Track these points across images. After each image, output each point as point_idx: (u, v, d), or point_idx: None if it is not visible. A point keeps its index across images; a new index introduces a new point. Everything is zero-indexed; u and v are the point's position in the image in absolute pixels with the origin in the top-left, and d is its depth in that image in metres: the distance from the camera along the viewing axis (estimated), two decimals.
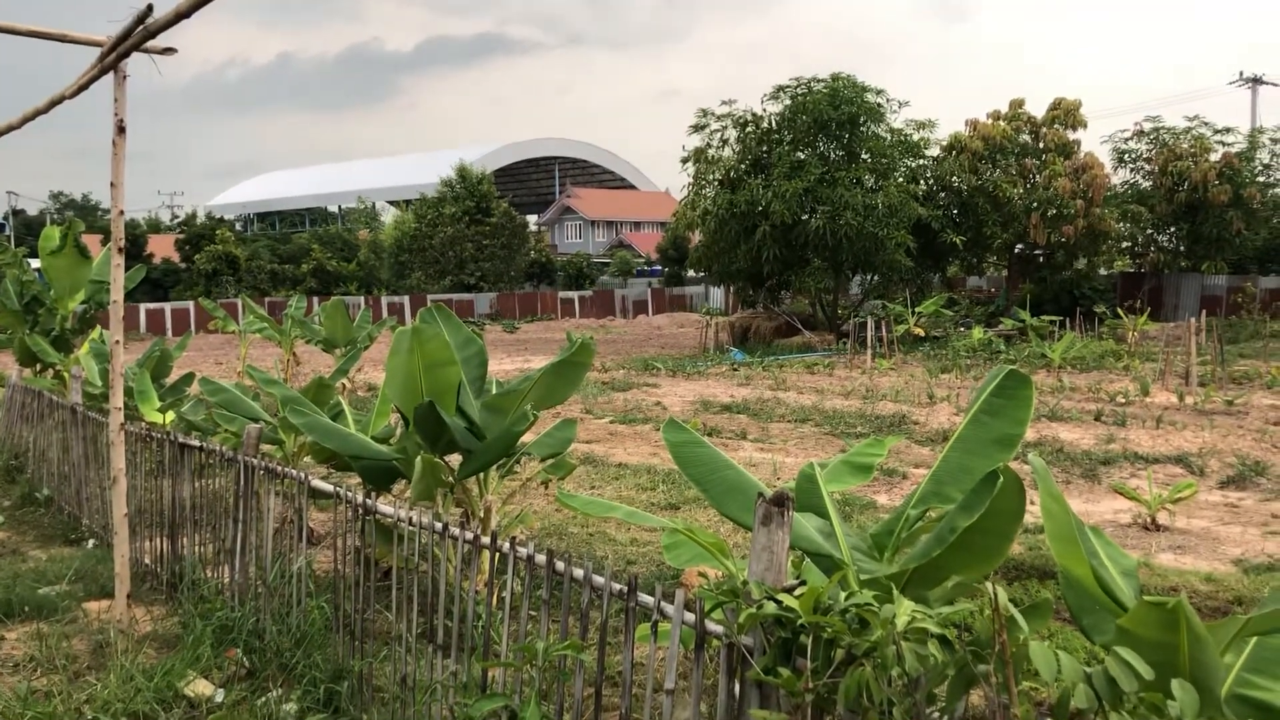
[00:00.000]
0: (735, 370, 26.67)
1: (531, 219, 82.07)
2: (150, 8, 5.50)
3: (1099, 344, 28.03)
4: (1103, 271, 43.08)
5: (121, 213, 6.70)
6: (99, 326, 16.74)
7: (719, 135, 35.18)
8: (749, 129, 34.78)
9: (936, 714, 2.78)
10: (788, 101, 34.24)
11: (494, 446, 6.89)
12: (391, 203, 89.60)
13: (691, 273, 59.21)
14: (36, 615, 7.01)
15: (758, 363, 28.64)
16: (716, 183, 34.87)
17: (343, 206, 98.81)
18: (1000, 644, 2.50)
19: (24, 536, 9.70)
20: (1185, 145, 39.55)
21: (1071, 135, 38.18)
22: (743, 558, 5.51)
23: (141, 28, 5.76)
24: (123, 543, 6.86)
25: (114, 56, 6.25)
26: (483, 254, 60.53)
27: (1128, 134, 41.65)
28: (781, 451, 14.13)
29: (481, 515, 7.24)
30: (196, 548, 7.28)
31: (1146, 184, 40.84)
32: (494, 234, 60.95)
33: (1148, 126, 41.08)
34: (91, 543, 9.15)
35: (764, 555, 3.26)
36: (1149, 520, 9.71)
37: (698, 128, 35.24)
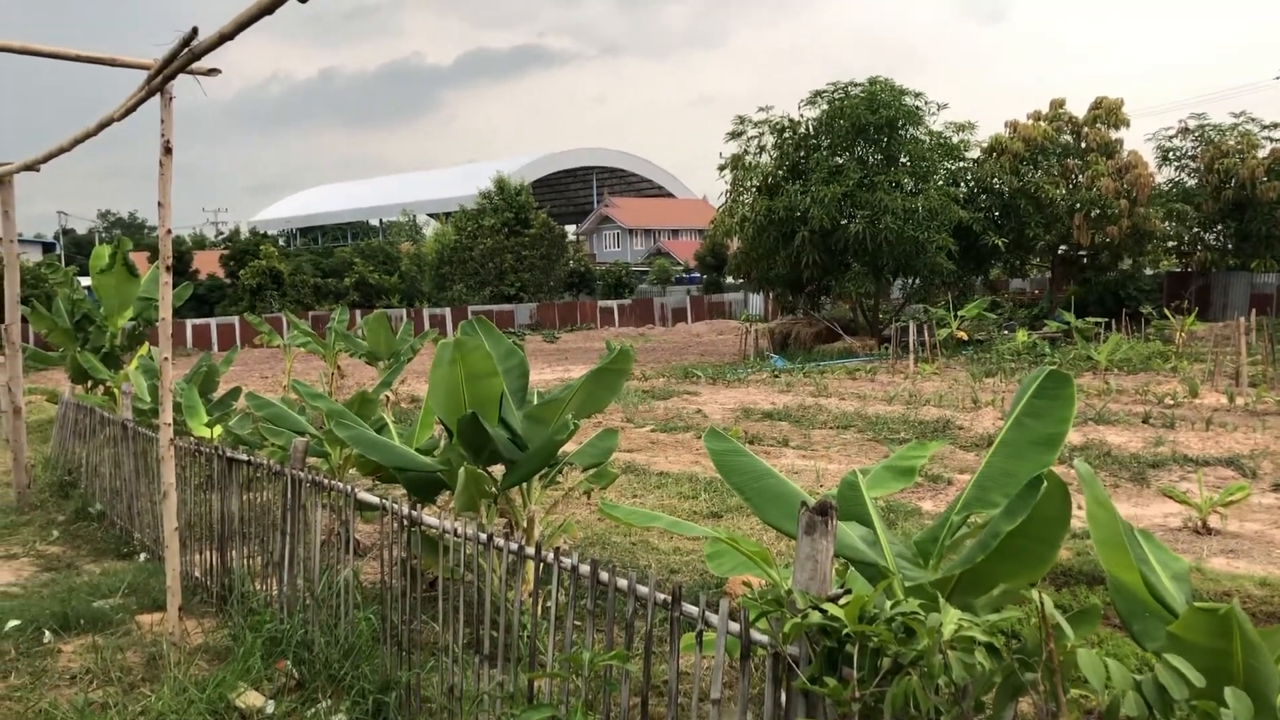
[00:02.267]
0: (776, 377, 26.58)
1: (570, 229, 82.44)
2: (195, 30, 5.61)
3: (1146, 345, 27.61)
4: (1148, 272, 42.50)
5: (169, 231, 6.82)
6: (147, 343, 17.04)
7: (756, 142, 35.15)
8: (786, 135, 34.69)
9: None
10: (825, 106, 34.12)
11: (536, 456, 6.93)
12: (432, 215, 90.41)
13: (730, 279, 59.11)
14: (92, 628, 7.15)
15: (798, 369, 28.52)
16: (754, 189, 34.80)
17: (384, 220, 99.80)
18: (1048, 652, 2.49)
19: (78, 551, 9.88)
20: (1232, 141, 38.91)
21: (1114, 134, 37.75)
22: (786, 566, 5.50)
23: (187, 50, 5.87)
24: (174, 556, 6.97)
25: (160, 79, 6.37)
26: (522, 265, 60.85)
27: (1172, 132, 41.09)
28: (824, 459, 14.06)
29: (525, 525, 7.28)
30: (245, 560, 7.38)
31: (1192, 182, 40.22)
32: (533, 244, 61.27)
33: (1192, 124, 40.50)
34: (143, 556, 9.30)
35: (808, 564, 3.26)
36: (1200, 524, 9.56)
37: (735, 134, 35.22)
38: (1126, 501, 10.88)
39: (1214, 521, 9.63)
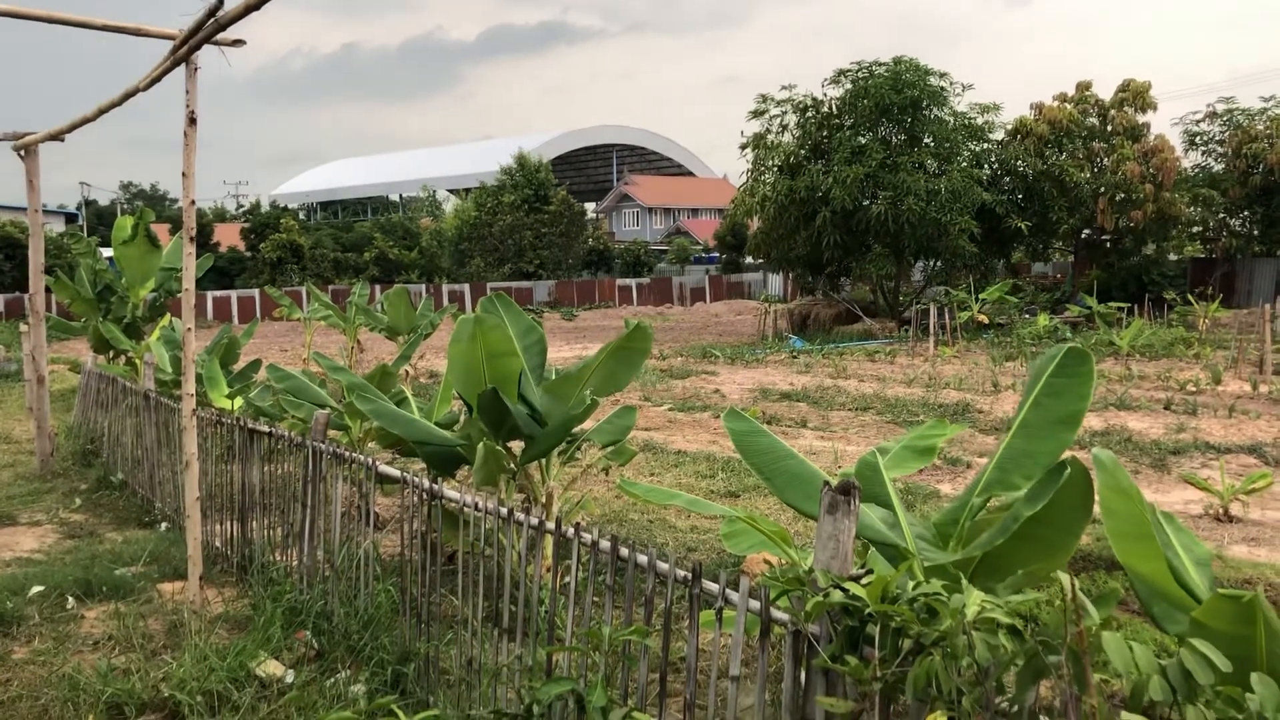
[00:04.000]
0: (794, 358, 26.52)
1: (589, 206, 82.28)
2: (221, 1, 5.60)
3: (1168, 331, 27.41)
4: (1172, 257, 42.09)
5: (193, 203, 6.84)
6: (169, 314, 17.14)
7: (779, 121, 34.93)
8: (809, 114, 34.46)
9: (1005, 704, 2.76)
10: (849, 86, 33.87)
11: (555, 431, 6.94)
12: (452, 191, 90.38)
13: (750, 259, 58.95)
14: (114, 595, 7.22)
15: (817, 350, 28.44)
16: (776, 168, 34.61)
17: (404, 195, 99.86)
18: (1076, 634, 2.47)
19: (100, 519, 9.97)
20: (1260, 126, 38.40)
21: (1140, 118, 37.32)
22: (803, 547, 5.50)
23: (213, 20, 5.87)
24: (195, 526, 7.03)
25: (186, 49, 6.38)
26: (541, 242, 60.84)
27: (1199, 116, 40.58)
28: (842, 440, 14.04)
29: (544, 501, 7.31)
30: (265, 531, 7.44)
31: (1219, 167, 39.76)
32: (552, 222, 61.22)
33: (1220, 108, 39.97)
34: (164, 525, 9.38)
35: (830, 544, 3.25)
36: (1221, 511, 9.50)
37: (757, 113, 35.00)
38: (1147, 488, 10.82)
39: (1236, 509, 9.57)
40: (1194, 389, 18.02)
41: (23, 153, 11.61)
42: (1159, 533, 3.66)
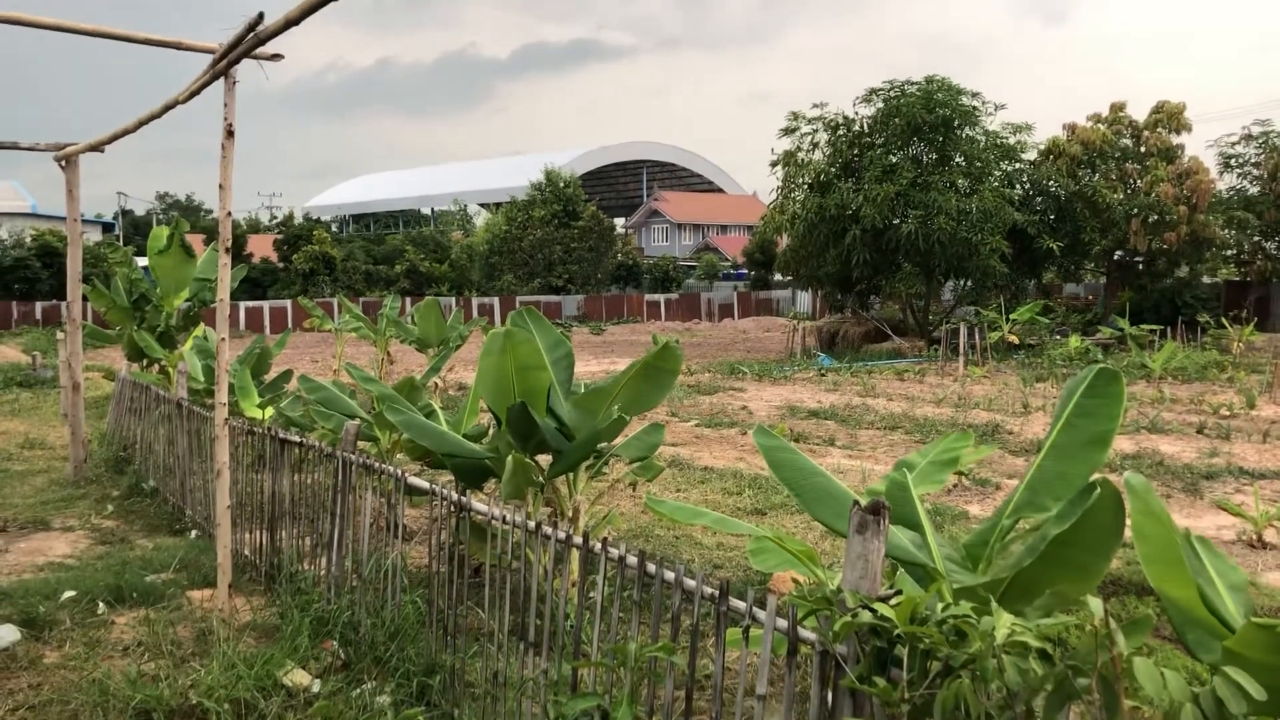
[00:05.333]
0: (822, 376, 26.44)
1: (619, 222, 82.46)
2: (261, 15, 5.68)
3: (1202, 354, 27.10)
4: (1206, 280, 41.67)
5: (229, 214, 6.92)
6: (202, 323, 17.31)
7: (809, 138, 34.89)
8: (840, 132, 34.43)
9: None
10: (880, 104, 33.82)
11: (583, 446, 6.95)
12: (483, 205, 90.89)
13: (778, 276, 58.85)
14: (144, 602, 7.29)
15: (846, 368, 28.34)
16: (806, 186, 34.57)
17: (435, 209, 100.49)
18: (1111, 659, 2.45)
19: (132, 525, 10.07)
20: None
21: (1175, 139, 37.03)
22: (830, 566, 5.48)
23: (252, 35, 5.95)
24: (225, 534, 7.08)
25: (225, 63, 6.47)
26: (570, 256, 61.04)
27: (1235, 138, 40.20)
28: (870, 459, 13.97)
29: (570, 515, 7.31)
30: (294, 540, 7.48)
31: (1254, 190, 39.35)
32: (582, 237, 61.42)
33: (1256, 130, 39.58)
34: (194, 533, 9.46)
35: (859, 563, 3.24)
36: (1254, 538, 9.38)
37: (788, 131, 34.99)
38: (1179, 513, 10.69)
39: (1270, 536, 9.44)
40: (1227, 413, 17.81)
41: (64, 163, 11.80)
42: (1190, 558, 3.61)
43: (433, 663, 5.51)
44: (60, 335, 17.29)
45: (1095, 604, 2.55)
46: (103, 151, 11.17)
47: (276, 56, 6.84)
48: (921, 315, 36.44)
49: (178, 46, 7.06)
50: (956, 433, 5.71)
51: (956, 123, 33.12)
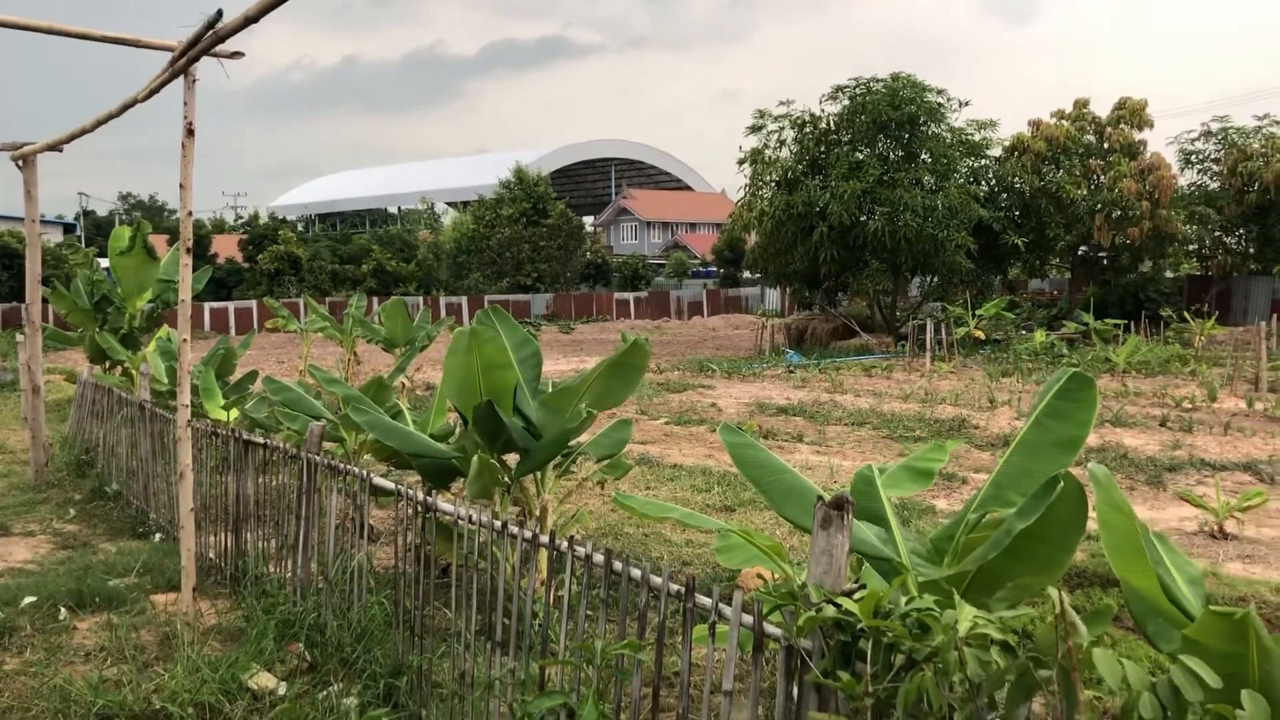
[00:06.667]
0: (791, 372, 26.53)
1: (588, 220, 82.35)
2: (220, 13, 5.62)
3: (1165, 348, 27.46)
4: (1169, 275, 42.18)
5: (190, 214, 6.84)
6: (165, 325, 17.13)
7: (776, 136, 35.04)
8: (807, 129, 34.59)
9: None
10: (846, 102, 34.01)
11: (550, 445, 6.94)
12: (450, 204, 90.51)
13: (747, 274, 59.01)
14: (107, 606, 7.19)
15: (814, 365, 28.46)
16: (774, 184, 34.71)
17: (402, 207, 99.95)
18: (1067, 650, 2.47)
19: (94, 529, 9.94)
20: (1256, 145, 38.56)
21: (1137, 135, 37.47)
22: (799, 562, 5.49)
23: (211, 32, 5.89)
24: (189, 537, 7.01)
25: (185, 60, 6.40)
26: (539, 255, 60.86)
27: (1195, 134, 40.74)
28: (838, 455, 14.04)
29: (538, 514, 7.30)
30: (259, 543, 7.42)
31: (1214, 185, 39.89)
32: (550, 235, 61.25)
33: (1215, 126, 40.12)
34: (158, 536, 9.36)
35: (823, 559, 3.25)
36: (1216, 528, 9.50)
37: (755, 129, 35.12)
38: (1142, 505, 10.82)
39: (1231, 526, 9.57)
40: (1190, 406, 18.04)
41: (20, 163, 11.62)
42: (1150, 550, 3.66)
43: (400, 664, 5.48)
44: (20, 338, 17.06)
45: (1055, 595, 2.57)
46: (61, 151, 11.01)
47: (237, 54, 6.76)
48: (889, 311, 36.67)
49: (136, 44, 6.96)
50: (934, 442, 5.72)
51: (922, 119, 33.37)
